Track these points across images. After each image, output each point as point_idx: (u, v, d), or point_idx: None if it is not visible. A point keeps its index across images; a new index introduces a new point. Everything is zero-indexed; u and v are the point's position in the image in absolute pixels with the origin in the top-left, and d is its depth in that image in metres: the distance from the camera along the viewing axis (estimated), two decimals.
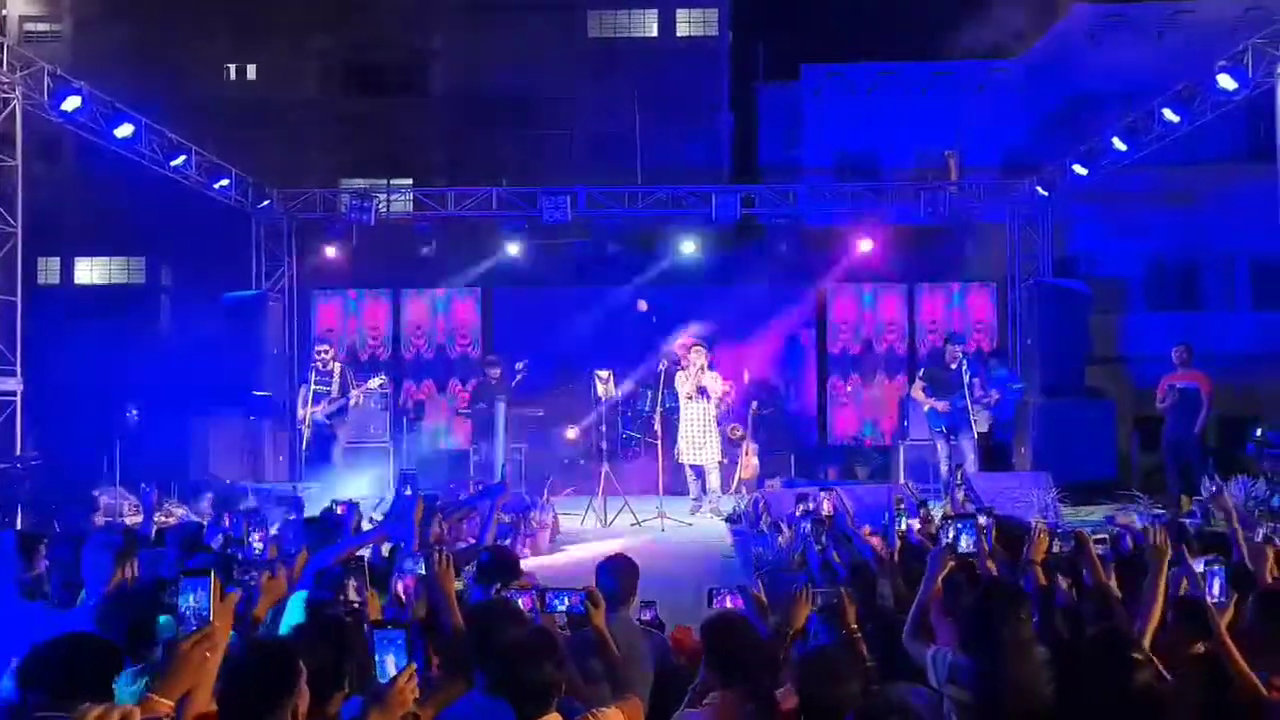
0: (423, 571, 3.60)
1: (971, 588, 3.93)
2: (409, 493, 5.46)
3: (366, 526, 5.98)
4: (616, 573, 4.33)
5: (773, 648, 3.46)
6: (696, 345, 11.00)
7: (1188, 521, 7.32)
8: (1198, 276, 18.34)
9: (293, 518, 6.78)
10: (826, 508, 5.63)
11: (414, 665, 2.73)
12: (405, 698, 2.68)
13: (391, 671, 2.69)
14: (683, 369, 11.02)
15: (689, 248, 13.63)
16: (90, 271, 21.18)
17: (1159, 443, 11.21)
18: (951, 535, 4.16)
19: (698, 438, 10.93)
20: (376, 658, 2.73)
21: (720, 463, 11.15)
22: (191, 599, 2.52)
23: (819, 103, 21.57)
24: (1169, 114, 10.35)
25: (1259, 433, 7.30)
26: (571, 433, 12.91)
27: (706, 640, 3.45)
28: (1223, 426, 12.14)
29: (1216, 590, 3.66)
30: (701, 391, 10.85)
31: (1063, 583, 4.24)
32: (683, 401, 11.03)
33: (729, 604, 3.89)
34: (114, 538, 4.53)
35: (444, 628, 3.51)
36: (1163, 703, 3.34)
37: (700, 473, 11.03)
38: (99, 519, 8.64)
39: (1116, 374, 15.91)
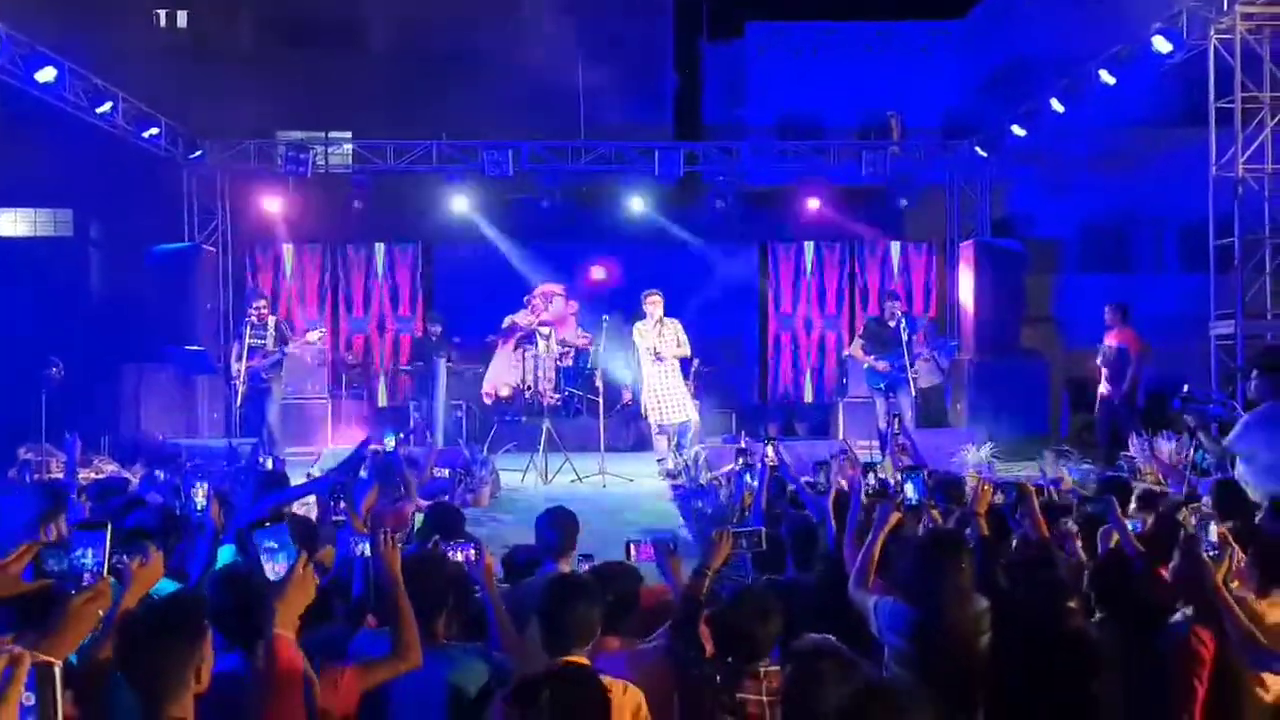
0: (368, 553, 3.54)
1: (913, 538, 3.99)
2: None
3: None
4: (556, 525, 4.34)
5: (691, 590, 3.51)
6: (652, 294, 10.59)
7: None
8: (1129, 238, 18.72)
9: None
10: (771, 457, 5.68)
11: (305, 554, 2.72)
12: (306, 585, 2.69)
13: (279, 567, 2.69)
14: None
15: (632, 205, 13.57)
16: (14, 224, 20.47)
17: (1089, 401, 11.46)
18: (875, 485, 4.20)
19: (674, 394, 10.52)
20: (262, 558, 2.71)
21: (694, 419, 10.75)
22: (89, 555, 2.44)
23: (763, 61, 21.52)
24: (1105, 76, 10.48)
25: (1184, 389, 7.47)
26: (505, 390, 12.86)
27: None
28: (1151, 385, 12.45)
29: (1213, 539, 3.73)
30: (658, 356, 10.39)
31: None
32: (644, 357, 10.52)
33: (640, 557, 3.93)
34: (37, 497, 4.36)
35: (391, 608, 3.44)
36: (1093, 649, 3.43)
37: (684, 430, 10.56)
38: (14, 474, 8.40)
39: (1049, 333, 16.22)
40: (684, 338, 10.60)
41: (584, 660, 3.07)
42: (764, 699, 3.09)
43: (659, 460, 10.63)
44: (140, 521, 4.25)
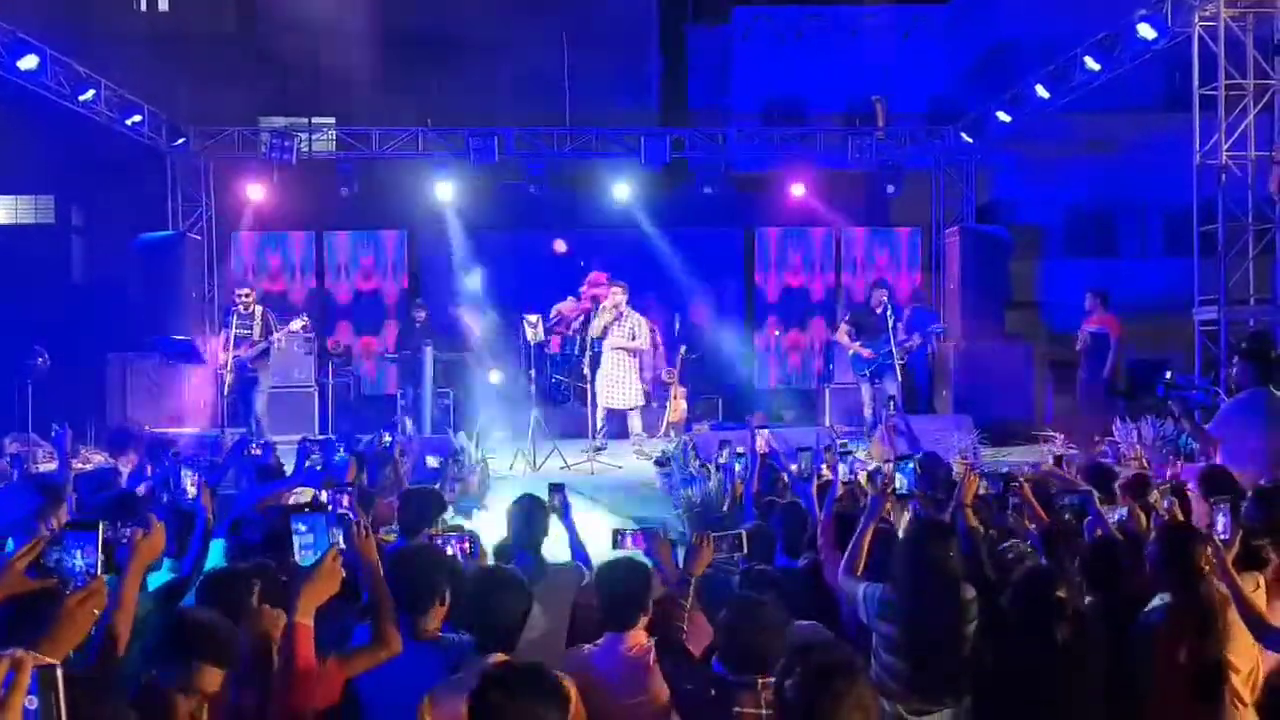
0: (342, 544, 3.56)
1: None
2: (314, 464, 5.24)
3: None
4: (524, 514, 4.31)
5: (675, 592, 3.47)
6: (616, 285, 10.77)
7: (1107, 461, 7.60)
8: (1113, 224, 18.81)
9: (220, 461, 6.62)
10: (762, 445, 5.70)
11: (337, 546, 2.74)
12: (333, 577, 2.71)
13: (311, 554, 2.70)
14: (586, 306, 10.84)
15: (618, 191, 13.56)
16: None
17: (1073, 385, 11.54)
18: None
19: (618, 379, 10.76)
20: (296, 542, 2.72)
21: (641, 406, 11.09)
22: (80, 555, 2.43)
23: (748, 46, 21.47)
24: (1090, 62, 10.52)
25: (1168, 375, 7.54)
26: (494, 376, 12.83)
27: (599, 584, 3.49)
28: (1134, 370, 12.55)
29: (1220, 527, 3.79)
30: (633, 341, 10.68)
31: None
32: (597, 338, 10.79)
33: (630, 545, 3.91)
34: (32, 493, 4.33)
35: (369, 596, 3.44)
36: (1081, 637, 3.48)
37: (623, 417, 10.93)
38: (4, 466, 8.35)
39: (1034, 318, 16.32)
40: (643, 334, 10.78)
41: (504, 657, 2.99)
42: (762, 712, 2.97)
43: (635, 449, 10.70)
44: None
